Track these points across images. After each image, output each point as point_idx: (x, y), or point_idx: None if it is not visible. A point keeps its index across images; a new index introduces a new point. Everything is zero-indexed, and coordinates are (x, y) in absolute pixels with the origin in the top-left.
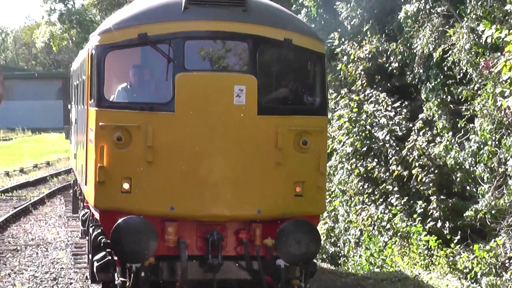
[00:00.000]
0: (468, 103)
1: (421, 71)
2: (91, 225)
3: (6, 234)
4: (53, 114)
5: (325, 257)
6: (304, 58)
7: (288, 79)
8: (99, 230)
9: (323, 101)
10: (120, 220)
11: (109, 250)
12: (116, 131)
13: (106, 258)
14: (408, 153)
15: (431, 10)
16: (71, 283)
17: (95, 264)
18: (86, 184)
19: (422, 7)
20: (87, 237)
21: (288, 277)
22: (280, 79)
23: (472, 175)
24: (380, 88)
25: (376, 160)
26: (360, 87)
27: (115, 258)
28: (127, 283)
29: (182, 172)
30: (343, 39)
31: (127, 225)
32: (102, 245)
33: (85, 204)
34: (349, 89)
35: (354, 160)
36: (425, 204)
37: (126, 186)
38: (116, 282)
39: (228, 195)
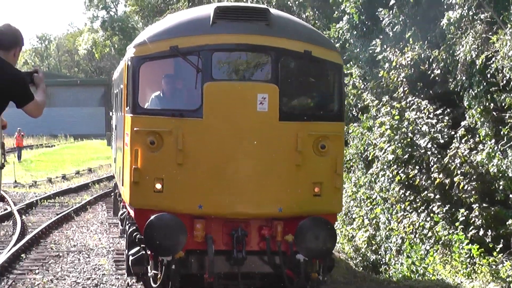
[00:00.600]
0: None
1: (463, 78)
2: (127, 222)
3: (48, 240)
4: (95, 121)
5: (366, 264)
6: (322, 68)
7: (308, 88)
8: (134, 227)
9: (340, 108)
10: (152, 217)
11: (143, 245)
12: (150, 135)
13: (140, 253)
14: (450, 161)
15: (474, 16)
16: None
17: (130, 258)
18: (122, 185)
19: (465, 14)
20: (124, 235)
21: (307, 271)
22: (300, 88)
23: None
24: (422, 96)
25: (417, 167)
26: (401, 94)
27: (149, 252)
28: (159, 275)
29: (210, 174)
30: (385, 46)
31: (159, 221)
32: (136, 240)
33: (122, 204)
34: (391, 96)
35: (395, 167)
36: (467, 212)
37: (158, 186)
38: (149, 274)
39: (252, 194)
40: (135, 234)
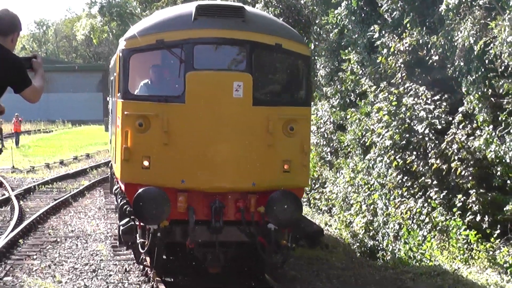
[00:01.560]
0: (510, 96)
1: (461, 64)
2: (119, 197)
3: (46, 226)
4: (93, 107)
5: (363, 250)
6: (291, 59)
7: (278, 77)
8: (125, 201)
9: (307, 94)
10: (140, 190)
11: (132, 217)
12: (138, 118)
13: (130, 223)
14: (448, 147)
15: (473, 2)
16: (110, 275)
17: (121, 228)
18: (115, 162)
19: (463, 0)
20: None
21: (277, 238)
22: (271, 77)
23: None
24: (420, 81)
25: (415, 153)
26: (399, 80)
27: (137, 223)
28: (146, 243)
29: (191, 152)
30: (383, 32)
31: (146, 194)
32: (126, 212)
33: (115, 180)
34: (389, 82)
35: (392, 153)
36: (464, 198)
37: (146, 163)
38: (138, 241)
39: (229, 171)
40: (125, 207)
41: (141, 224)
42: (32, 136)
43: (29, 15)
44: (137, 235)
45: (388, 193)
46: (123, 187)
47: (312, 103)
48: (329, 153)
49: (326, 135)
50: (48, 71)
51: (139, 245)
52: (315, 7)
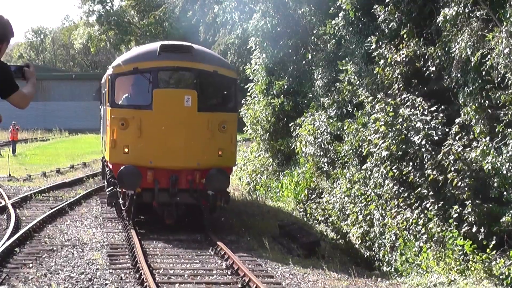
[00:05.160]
0: (507, 108)
1: (458, 75)
2: (107, 174)
3: (42, 235)
4: (90, 115)
5: (360, 260)
6: (224, 81)
7: (215, 93)
8: (111, 176)
9: (235, 105)
10: (122, 168)
11: (116, 186)
12: (121, 120)
13: (113, 190)
14: (444, 158)
15: (470, 14)
16: (106, 284)
17: (108, 193)
18: (105, 150)
19: (461, 11)
20: (106, 182)
21: (214, 201)
22: (210, 93)
23: (510, 181)
24: (416, 92)
25: (411, 164)
26: (396, 91)
27: (119, 190)
28: (126, 203)
29: (157, 142)
30: (380, 43)
31: (126, 170)
32: (112, 182)
33: (106, 163)
34: (386, 93)
35: (388, 163)
36: (460, 209)
37: (126, 150)
38: (120, 202)
39: (182, 155)
40: (111, 179)
41: (123, 190)
42: (29, 144)
43: (27, 23)
44: (120, 198)
45: (384, 204)
46: (110, 166)
47: (310, 113)
48: (326, 164)
49: (323, 146)
50: (45, 79)
51: (121, 204)
52: (312, 17)
